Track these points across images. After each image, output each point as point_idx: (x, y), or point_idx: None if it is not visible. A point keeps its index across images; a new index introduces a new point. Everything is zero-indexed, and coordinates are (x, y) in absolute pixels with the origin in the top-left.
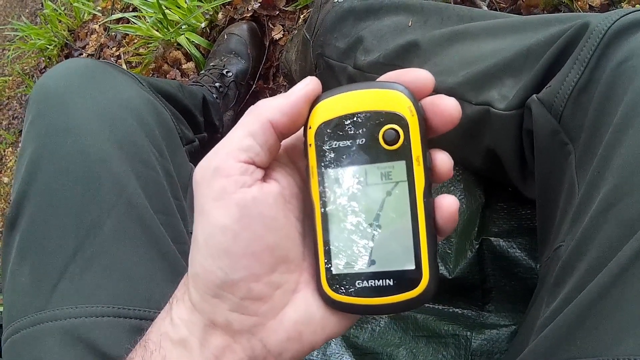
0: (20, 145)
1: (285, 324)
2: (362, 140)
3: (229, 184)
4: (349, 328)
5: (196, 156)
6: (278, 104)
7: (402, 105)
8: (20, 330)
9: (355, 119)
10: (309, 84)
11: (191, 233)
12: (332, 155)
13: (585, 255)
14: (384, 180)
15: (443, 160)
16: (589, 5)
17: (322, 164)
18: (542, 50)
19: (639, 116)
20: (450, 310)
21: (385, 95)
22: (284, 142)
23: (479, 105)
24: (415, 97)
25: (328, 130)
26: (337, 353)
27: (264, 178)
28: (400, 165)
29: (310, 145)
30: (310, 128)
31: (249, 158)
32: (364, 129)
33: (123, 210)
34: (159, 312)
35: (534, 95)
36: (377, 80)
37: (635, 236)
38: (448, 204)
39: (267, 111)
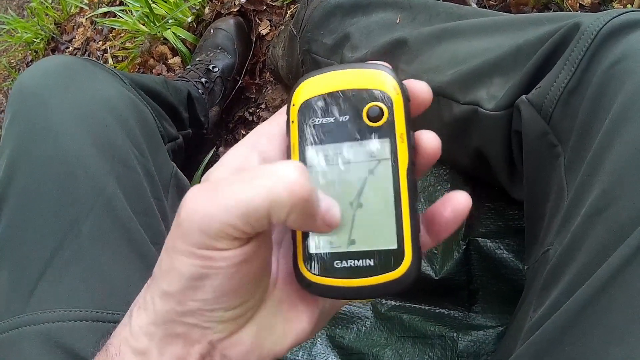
0: None
1: (245, 337)
2: (345, 117)
3: (212, 250)
4: (311, 336)
5: (179, 153)
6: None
7: (387, 84)
8: None
9: (339, 96)
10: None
11: None
12: (315, 132)
13: (574, 260)
14: (366, 158)
15: (429, 138)
16: (580, 4)
17: (304, 140)
18: (532, 49)
19: (630, 120)
20: (437, 310)
21: (370, 75)
22: None
23: (467, 105)
24: (400, 78)
25: (311, 108)
26: (323, 353)
27: None
28: (384, 142)
29: (292, 122)
30: (293, 105)
31: (242, 234)
32: (348, 106)
33: (101, 212)
34: None
35: (523, 95)
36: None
37: (624, 242)
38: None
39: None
